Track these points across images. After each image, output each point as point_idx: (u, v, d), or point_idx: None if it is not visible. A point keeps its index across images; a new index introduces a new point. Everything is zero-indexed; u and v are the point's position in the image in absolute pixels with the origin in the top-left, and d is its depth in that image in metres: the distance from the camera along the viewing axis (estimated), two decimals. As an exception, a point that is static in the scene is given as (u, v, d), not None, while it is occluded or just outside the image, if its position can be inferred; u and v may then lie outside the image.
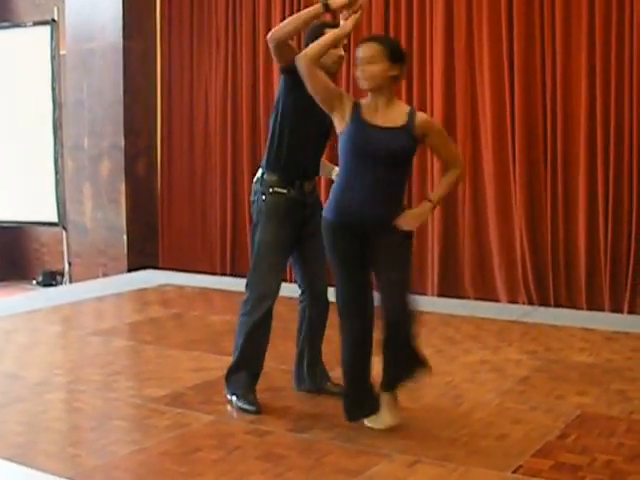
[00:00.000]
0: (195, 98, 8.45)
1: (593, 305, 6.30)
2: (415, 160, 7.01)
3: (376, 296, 3.57)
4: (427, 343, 5.21)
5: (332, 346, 4.07)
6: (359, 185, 3.50)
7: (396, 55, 3.49)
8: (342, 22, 3.60)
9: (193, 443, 3.52)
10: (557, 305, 6.43)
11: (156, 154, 8.62)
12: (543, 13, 6.40)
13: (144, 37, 8.45)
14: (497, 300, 6.69)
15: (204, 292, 7.31)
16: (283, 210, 3.91)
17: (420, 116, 3.55)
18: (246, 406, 3.88)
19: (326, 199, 3.65)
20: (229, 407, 3.96)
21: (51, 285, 9.38)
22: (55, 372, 4.71)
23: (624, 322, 5.85)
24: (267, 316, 3.91)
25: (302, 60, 3.50)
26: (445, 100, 6.83)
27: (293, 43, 3.90)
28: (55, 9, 8.75)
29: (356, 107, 3.53)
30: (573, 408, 3.92)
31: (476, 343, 5.30)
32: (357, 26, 3.62)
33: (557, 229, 6.43)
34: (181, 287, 7.50)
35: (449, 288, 6.90)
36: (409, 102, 6.77)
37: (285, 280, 4.05)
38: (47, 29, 8.77)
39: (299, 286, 4.12)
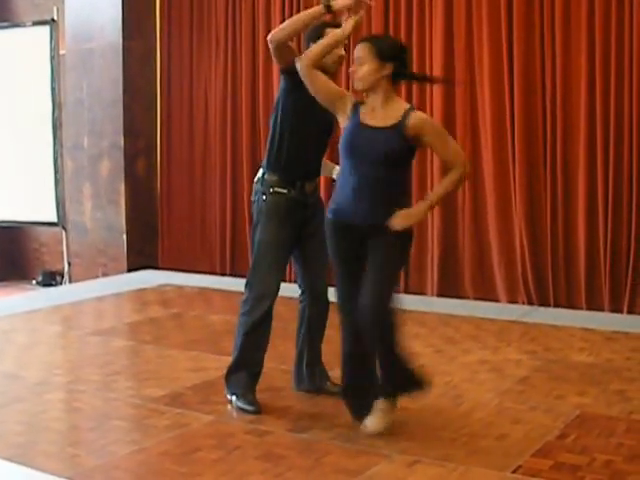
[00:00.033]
0: (195, 98, 8.45)
1: (593, 305, 6.30)
2: (415, 160, 7.06)
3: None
4: (427, 343, 5.25)
5: (332, 346, 4.07)
6: (350, 184, 3.52)
7: (385, 54, 3.46)
8: (343, 23, 3.61)
9: (193, 443, 3.52)
10: (557, 305, 6.43)
11: (156, 154, 8.62)
12: (543, 13, 6.40)
13: (144, 37, 8.45)
14: (497, 300, 6.69)
15: (204, 292, 7.30)
16: (283, 210, 3.91)
17: (414, 115, 3.47)
18: (246, 406, 3.88)
19: (326, 199, 3.66)
20: (229, 407, 3.96)
21: (51, 285, 9.37)
22: (55, 372, 4.71)
23: (624, 322, 5.85)
24: (267, 316, 3.90)
25: (302, 62, 3.52)
26: (445, 100, 6.83)
27: (293, 44, 3.90)
28: (55, 9, 8.74)
29: (356, 107, 3.54)
30: (573, 408, 3.92)
31: (476, 343, 5.30)
32: (358, 27, 3.61)
33: (557, 229, 6.43)
34: (181, 287, 7.50)
35: (449, 288, 6.90)
36: (409, 101, 6.76)
37: (285, 280, 4.05)
38: (47, 29, 8.77)
39: (299, 286, 4.12)
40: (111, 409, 4.05)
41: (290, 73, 3.72)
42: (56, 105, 8.77)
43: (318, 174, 4.08)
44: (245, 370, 3.94)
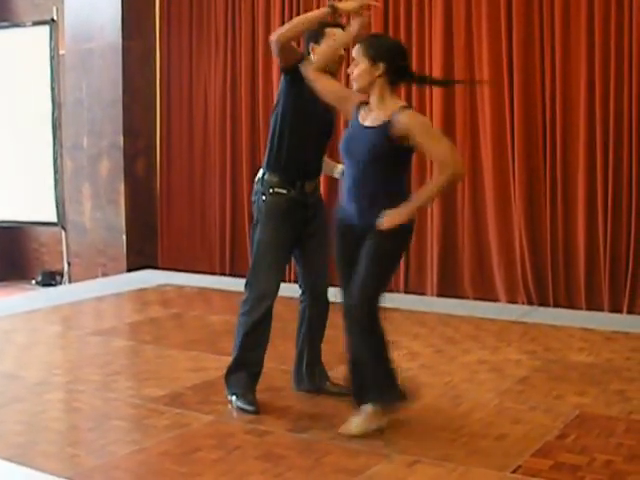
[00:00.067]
0: (194, 98, 8.45)
1: (592, 305, 6.30)
2: (414, 159, 7.06)
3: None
4: (427, 343, 5.25)
5: (332, 346, 4.08)
6: (346, 184, 3.57)
7: (376, 54, 3.46)
8: (351, 23, 3.65)
9: (192, 443, 3.52)
10: (556, 305, 6.43)
11: (155, 154, 8.62)
12: (542, 11, 6.40)
13: (143, 37, 8.45)
14: (496, 300, 6.69)
15: (203, 292, 7.30)
16: (283, 210, 3.91)
17: (402, 114, 3.42)
18: (245, 406, 3.88)
19: (327, 198, 3.68)
20: (228, 407, 3.96)
21: (50, 285, 9.37)
22: (54, 372, 4.71)
23: (623, 322, 5.85)
24: (266, 316, 3.90)
25: (309, 70, 3.55)
26: (444, 99, 6.83)
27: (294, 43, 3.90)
28: (54, 9, 8.74)
29: (358, 107, 3.57)
30: (572, 408, 3.92)
31: (475, 343, 5.30)
32: (364, 28, 3.64)
33: (556, 229, 6.43)
34: (180, 287, 7.50)
35: (448, 288, 6.90)
36: (408, 102, 6.77)
37: (285, 280, 4.06)
38: (46, 29, 8.77)
39: (300, 286, 4.12)
40: (111, 409, 4.05)
41: (292, 72, 3.72)
42: (56, 105, 8.77)
43: (318, 174, 4.08)
44: (245, 370, 3.94)
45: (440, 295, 6.89)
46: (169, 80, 8.54)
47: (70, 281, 8.75)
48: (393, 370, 3.55)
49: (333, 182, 7.09)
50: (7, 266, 9.99)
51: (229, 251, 8.17)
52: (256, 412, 3.85)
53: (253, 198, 4.02)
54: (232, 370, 3.98)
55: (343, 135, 3.61)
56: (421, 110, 6.92)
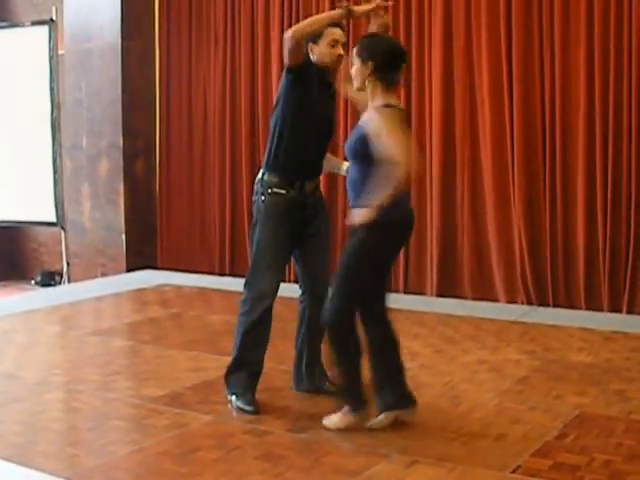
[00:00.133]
0: (194, 98, 8.45)
1: (592, 305, 6.30)
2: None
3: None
4: (426, 343, 5.25)
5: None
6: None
7: (365, 54, 3.51)
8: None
9: (192, 443, 3.52)
10: (556, 305, 6.43)
11: (155, 154, 8.62)
12: (542, 16, 6.40)
13: (142, 37, 8.45)
14: (496, 300, 6.69)
15: (203, 292, 7.30)
16: (282, 210, 3.91)
17: (371, 113, 3.50)
18: (245, 406, 3.88)
19: (327, 197, 3.70)
20: (228, 407, 3.96)
21: (50, 285, 9.37)
22: (54, 372, 4.71)
23: (623, 322, 5.85)
24: (266, 315, 3.90)
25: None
26: (444, 102, 6.83)
27: None
28: (53, 9, 8.75)
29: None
30: (572, 408, 3.92)
31: (475, 343, 5.30)
32: (386, 28, 3.79)
33: (556, 229, 6.43)
34: (180, 287, 7.50)
35: (448, 288, 6.90)
36: (407, 105, 6.78)
37: (284, 280, 4.05)
38: (45, 29, 8.77)
39: (300, 286, 4.12)
40: (110, 409, 4.05)
41: (296, 71, 3.71)
42: (55, 105, 8.77)
43: (318, 174, 4.07)
44: (244, 370, 3.94)
45: (440, 295, 6.89)
46: (168, 80, 8.54)
47: (69, 281, 8.75)
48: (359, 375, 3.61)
49: (333, 182, 7.14)
50: (6, 266, 9.99)
51: (228, 251, 8.17)
52: (256, 412, 3.85)
53: (253, 198, 4.02)
54: (232, 370, 3.98)
55: None
56: (421, 111, 6.94)
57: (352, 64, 3.58)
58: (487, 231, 6.75)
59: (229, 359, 4.00)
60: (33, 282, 9.61)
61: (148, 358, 5.02)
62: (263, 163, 4.00)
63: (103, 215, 8.44)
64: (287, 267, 4.86)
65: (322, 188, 4.30)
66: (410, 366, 4.57)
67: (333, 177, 6.78)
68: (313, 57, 3.82)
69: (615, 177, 6.15)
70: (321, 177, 4.18)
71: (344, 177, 3.90)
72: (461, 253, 6.86)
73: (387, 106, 3.49)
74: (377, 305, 3.67)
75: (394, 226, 3.53)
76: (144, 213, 8.54)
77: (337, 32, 3.81)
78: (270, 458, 3.33)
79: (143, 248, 8.50)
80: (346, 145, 3.61)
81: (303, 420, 3.79)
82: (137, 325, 6.01)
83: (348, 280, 3.56)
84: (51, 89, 8.76)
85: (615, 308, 6.19)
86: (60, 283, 9.15)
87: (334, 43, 3.81)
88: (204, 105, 8.38)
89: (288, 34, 3.65)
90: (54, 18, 8.73)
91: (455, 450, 3.40)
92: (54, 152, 8.81)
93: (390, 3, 3.77)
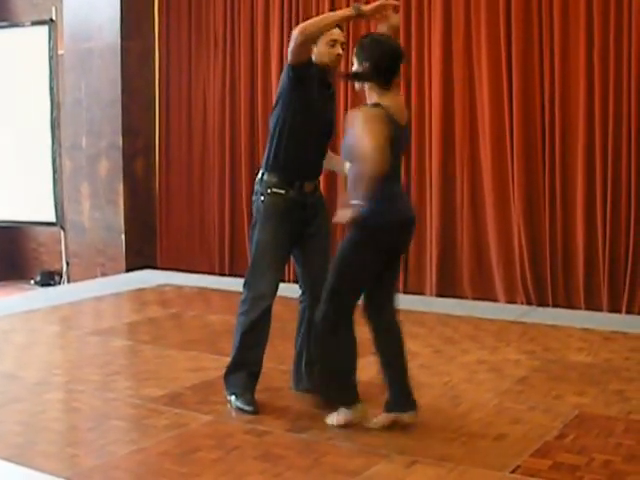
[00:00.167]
0: (193, 98, 8.45)
1: (591, 305, 6.31)
2: (414, 158, 7.06)
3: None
4: (426, 343, 5.25)
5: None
6: None
7: (362, 54, 3.54)
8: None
9: (192, 443, 3.52)
10: (555, 305, 6.43)
11: (154, 154, 8.62)
12: (541, 14, 6.40)
13: (142, 37, 8.45)
14: (495, 300, 6.69)
15: (202, 292, 7.30)
16: (282, 210, 3.91)
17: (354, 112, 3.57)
18: (244, 406, 3.88)
19: (327, 197, 3.70)
20: (227, 407, 3.96)
21: (49, 285, 9.37)
22: (53, 372, 4.71)
23: (622, 322, 5.85)
24: (265, 315, 3.90)
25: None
26: (443, 101, 6.83)
27: None
28: (53, 9, 8.75)
29: None
30: (571, 408, 3.92)
31: (474, 343, 5.30)
32: (396, 30, 3.81)
33: (555, 229, 6.43)
34: (179, 287, 7.50)
35: (447, 288, 6.90)
36: (407, 105, 6.76)
37: (284, 280, 4.06)
38: (45, 29, 8.77)
39: (300, 286, 4.12)
40: (110, 409, 4.05)
41: (300, 69, 3.71)
42: (54, 105, 8.77)
43: (318, 174, 4.07)
44: (244, 370, 3.94)
45: (439, 295, 6.89)
46: (168, 80, 8.54)
47: (69, 281, 8.75)
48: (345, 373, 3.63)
49: (333, 182, 7.13)
50: (6, 266, 9.99)
51: (228, 251, 8.17)
52: (255, 412, 3.85)
53: (253, 198, 4.02)
54: (231, 370, 3.98)
55: None
56: (420, 111, 6.93)
57: (352, 64, 3.59)
58: (487, 231, 6.75)
59: (228, 359, 4.00)
60: (33, 282, 9.61)
61: (148, 358, 5.02)
62: (263, 163, 4.00)
63: (103, 215, 8.44)
64: (287, 267, 4.87)
65: (322, 188, 4.30)
66: (409, 366, 4.58)
67: (333, 177, 6.78)
68: (312, 57, 3.82)
69: (615, 177, 6.15)
70: (321, 177, 4.18)
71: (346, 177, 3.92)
72: (461, 253, 6.86)
73: (376, 106, 3.50)
74: (378, 306, 3.68)
75: (381, 229, 3.52)
76: (144, 213, 8.54)
77: (336, 32, 3.81)
78: (269, 458, 3.33)
79: (143, 248, 8.50)
80: (342, 146, 3.62)
81: (303, 420, 3.79)
82: (137, 325, 6.01)
83: (336, 278, 3.58)
84: (51, 89, 8.76)
85: (614, 308, 6.19)
86: (60, 283, 9.15)
87: (333, 43, 3.81)
88: (204, 105, 8.38)
89: (297, 30, 3.62)
90: (54, 18, 8.73)
91: (455, 450, 3.40)
92: (54, 152, 8.81)
93: (397, 3, 3.76)
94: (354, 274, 3.58)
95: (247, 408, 3.87)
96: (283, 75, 3.86)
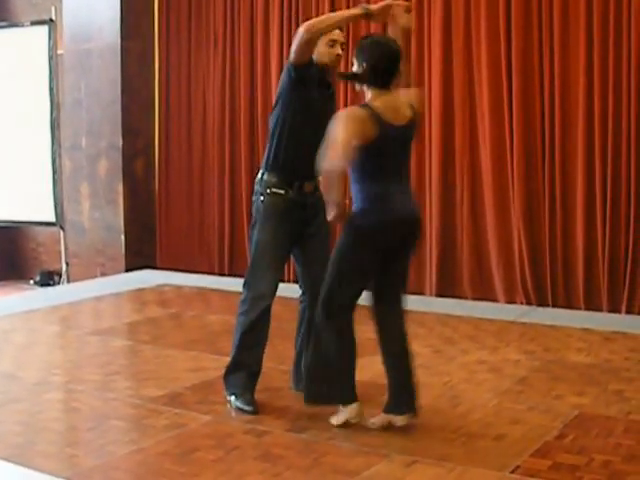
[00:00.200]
0: (193, 98, 8.45)
1: (591, 305, 6.31)
2: (414, 159, 7.07)
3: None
4: (425, 343, 5.24)
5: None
6: None
7: (360, 56, 3.54)
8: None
9: (191, 443, 3.52)
10: (555, 305, 6.44)
11: (154, 154, 8.62)
12: (541, 14, 6.40)
13: (142, 37, 8.45)
14: (495, 300, 6.69)
15: (202, 292, 7.30)
16: (281, 210, 3.90)
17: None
18: (244, 406, 3.88)
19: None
20: (227, 407, 3.96)
21: (49, 285, 9.37)
22: (53, 372, 4.71)
23: (622, 322, 5.85)
24: (264, 315, 3.90)
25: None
26: (443, 100, 6.83)
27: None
28: (53, 9, 8.74)
29: None
30: (571, 408, 3.92)
31: (474, 343, 5.30)
32: (408, 32, 3.80)
33: (555, 229, 6.43)
34: (179, 287, 7.50)
35: (447, 288, 6.90)
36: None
37: (284, 280, 4.06)
38: (45, 29, 8.76)
39: (300, 286, 4.11)
40: (110, 409, 4.05)
41: (301, 69, 3.70)
42: (54, 105, 8.77)
43: (318, 175, 4.06)
44: (243, 370, 3.94)
45: (439, 295, 6.89)
46: (168, 80, 8.54)
47: (68, 281, 8.75)
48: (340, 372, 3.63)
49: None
50: (5, 266, 9.98)
51: (227, 251, 8.17)
52: (255, 412, 3.85)
53: (252, 198, 4.02)
54: (231, 370, 3.98)
55: None
56: (421, 110, 6.91)
57: (352, 64, 3.59)
58: (486, 231, 6.75)
59: (228, 359, 4.00)
60: (32, 282, 9.61)
61: (147, 358, 5.02)
62: (262, 163, 4.00)
63: (102, 215, 8.44)
64: (287, 267, 4.86)
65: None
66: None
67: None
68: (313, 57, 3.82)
69: (614, 176, 6.15)
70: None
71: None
72: (460, 253, 6.86)
73: (363, 107, 3.50)
74: (385, 307, 3.68)
75: (373, 229, 3.52)
76: (143, 213, 8.54)
77: (335, 32, 3.80)
78: (269, 458, 3.33)
79: (142, 248, 8.50)
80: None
81: (302, 420, 3.79)
82: (136, 325, 6.01)
83: (333, 278, 3.58)
84: (50, 89, 8.76)
85: (614, 308, 6.19)
86: (59, 283, 9.15)
87: (332, 43, 3.80)
88: (203, 105, 8.38)
89: (303, 28, 3.60)
90: (53, 18, 8.73)
91: (454, 450, 3.40)
92: (53, 152, 8.80)
93: (403, 3, 3.69)
94: (349, 274, 3.59)
95: (247, 408, 3.87)
96: (283, 75, 3.86)
